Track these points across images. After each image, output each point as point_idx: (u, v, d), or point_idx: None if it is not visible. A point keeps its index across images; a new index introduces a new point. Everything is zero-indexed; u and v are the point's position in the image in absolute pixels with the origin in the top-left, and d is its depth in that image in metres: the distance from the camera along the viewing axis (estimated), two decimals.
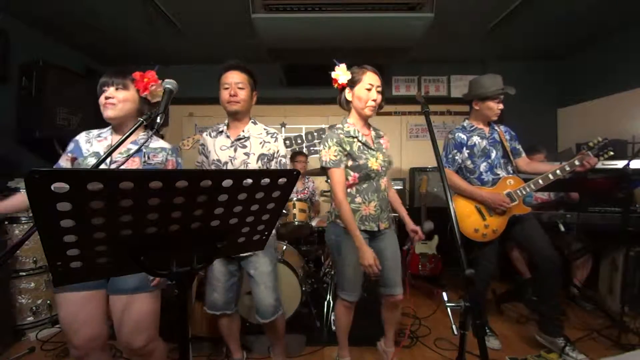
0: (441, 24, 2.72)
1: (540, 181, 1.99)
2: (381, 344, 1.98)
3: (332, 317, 2.36)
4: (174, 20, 2.86)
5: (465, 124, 2.16)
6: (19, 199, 1.35)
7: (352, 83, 1.62)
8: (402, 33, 2.73)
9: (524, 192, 2.01)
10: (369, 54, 3.12)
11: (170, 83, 1.07)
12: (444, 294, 1.02)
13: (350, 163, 1.63)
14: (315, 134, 4.21)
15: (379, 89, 1.62)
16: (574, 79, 3.74)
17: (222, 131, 1.70)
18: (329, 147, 1.60)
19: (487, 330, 2.18)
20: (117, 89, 1.30)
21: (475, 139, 2.09)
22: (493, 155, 2.08)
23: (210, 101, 3.96)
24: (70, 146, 1.37)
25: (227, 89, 1.61)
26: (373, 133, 1.74)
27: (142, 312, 1.27)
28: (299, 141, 4.19)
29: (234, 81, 1.60)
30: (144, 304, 1.27)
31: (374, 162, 1.64)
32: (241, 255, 1.64)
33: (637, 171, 2.26)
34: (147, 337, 1.28)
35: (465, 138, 2.09)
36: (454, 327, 0.93)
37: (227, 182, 0.68)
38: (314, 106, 4.14)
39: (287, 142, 4.20)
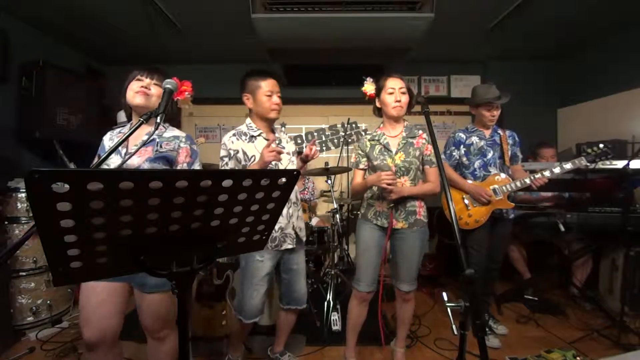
0: (441, 24, 2.71)
1: (526, 180, 2.08)
2: (393, 343, 1.99)
3: (332, 317, 2.37)
4: (174, 20, 2.86)
5: (468, 126, 2.35)
6: None
7: (378, 91, 1.79)
8: (402, 33, 2.73)
9: (509, 189, 2.12)
10: (369, 54, 3.12)
11: (170, 83, 1.07)
12: (444, 294, 1.03)
13: (368, 164, 1.83)
14: (315, 134, 4.21)
15: (402, 90, 1.72)
16: (574, 79, 3.73)
17: (257, 135, 1.67)
18: (354, 151, 1.90)
19: (487, 330, 2.18)
20: (155, 84, 1.36)
21: (474, 139, 2.26)
22: (489, 155, 2.22)
23: (210, 101, 3.96)
24: (100, 148, 1.42)
25: (270, 96, 1.62)
26: (404, 133, 1.79)
27: (162, 306, 1.35)
28: (299, 141, 4.19)
29: (276, 90, 1.64)
30: (163, 300, 1.35)
31: (390, 163, 1.74)
32: (283, 249, 1.68)
33: (637, 171, 2.26)
34: (162, 324, 1.38)
35: (464, 137, 2.29)
36: (454, 327, 0.93)
37: (227, 182, 0.68)
38: (314, 106, 4.13)
39: None
